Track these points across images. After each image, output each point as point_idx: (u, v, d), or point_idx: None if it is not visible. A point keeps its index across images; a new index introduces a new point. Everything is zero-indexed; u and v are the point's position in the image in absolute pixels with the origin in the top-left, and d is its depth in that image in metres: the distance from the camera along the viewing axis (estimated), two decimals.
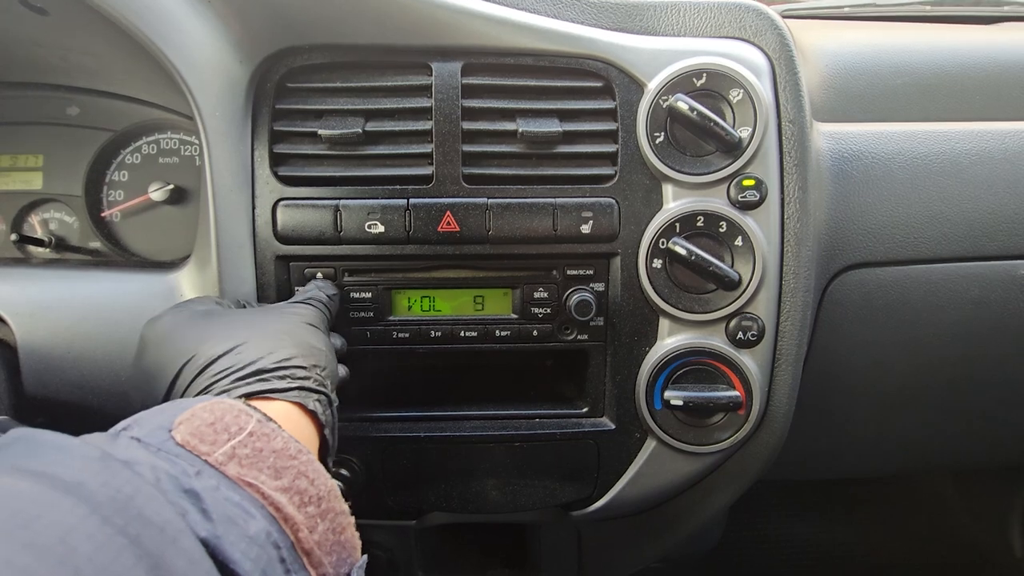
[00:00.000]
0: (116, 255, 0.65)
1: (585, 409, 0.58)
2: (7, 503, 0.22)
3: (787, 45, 0.53)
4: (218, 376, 0.37)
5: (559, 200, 0.53)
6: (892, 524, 1.19)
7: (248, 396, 0.36)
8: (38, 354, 0.51)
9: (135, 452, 0.28)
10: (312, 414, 0.38)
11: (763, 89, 0.52)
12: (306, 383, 0.39)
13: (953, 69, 0.64)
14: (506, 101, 0.53)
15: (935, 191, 0.59)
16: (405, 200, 0.52)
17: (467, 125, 0.52)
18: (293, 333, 0.42)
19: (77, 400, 0.51)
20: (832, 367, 0.62)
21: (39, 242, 0.63)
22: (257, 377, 0.37)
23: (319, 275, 0.54)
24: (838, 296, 0.60)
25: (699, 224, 0.53)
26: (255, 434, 0.32)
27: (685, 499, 0.62)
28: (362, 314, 0.54)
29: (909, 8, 0.89)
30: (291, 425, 0.36)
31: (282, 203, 0.52)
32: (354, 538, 0.34)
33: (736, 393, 0.54)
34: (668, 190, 0.54)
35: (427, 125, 0.52)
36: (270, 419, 0.33)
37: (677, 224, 0.53)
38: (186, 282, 0.53)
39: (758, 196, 0.52)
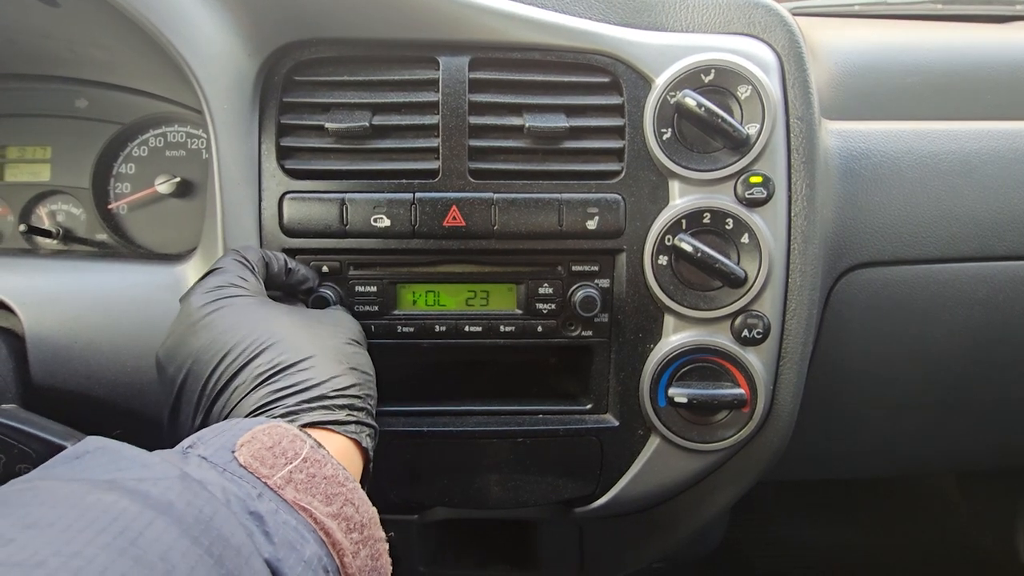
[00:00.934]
0: (122, 247, 0.66)
1: (588, 406, 0.58)
2: (116, 519, 0.23)
3: (796, 41, 0.53)
4: (282, 393, 0.37)
5: (565, 196, 0.53)
6: (895, 527, 1.19)
7: (311, 424, 0.36)
8: (45, 344, 0.51)
9: (206, 472, 0.29)
10: (361, 448, 0.39)
11: (772, 86, 0.52)
12: (361, 415, 0.39)
13: (964, 68, 0.63)
14: (513, 96, 0.53)
15: (944, 190, 0.59)
16: (411, 194, 0.52)
17: (474, 120, 0.52)
18: (348, 355, 0.42)
19: (84, 390, 0.52)
20: (837, 366, 0.62)
21: (47, 233, 0.64)
22: (321, 404, 0.38)
23: (325, 268, 0.54)
24: (844, 295, 0.60)
25: (705, 221, 0.53)
26: (308, 460, 0.33)
27: (688, 497, 0.61)
28: (366, 308, 0.55)
29: (920, 7, 0.88)
30: (339, 452, 0.37)
31: (288, 196, 0.52)
32: (387, 564, 0.35)
33: (741, 391, 0.53)
34: (675, 186, 0.53)
35: (434, 119, 0.52)
36: (321, 445, 0.34)
37: (683, 221, 0.53)
38: (192, 274, 0.53)
39: (765, 193, 0.52)
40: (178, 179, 0.64)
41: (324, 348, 0.41)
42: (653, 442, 0.57)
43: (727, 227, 0.53)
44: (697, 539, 0.97)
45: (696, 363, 0.54)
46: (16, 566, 0.20)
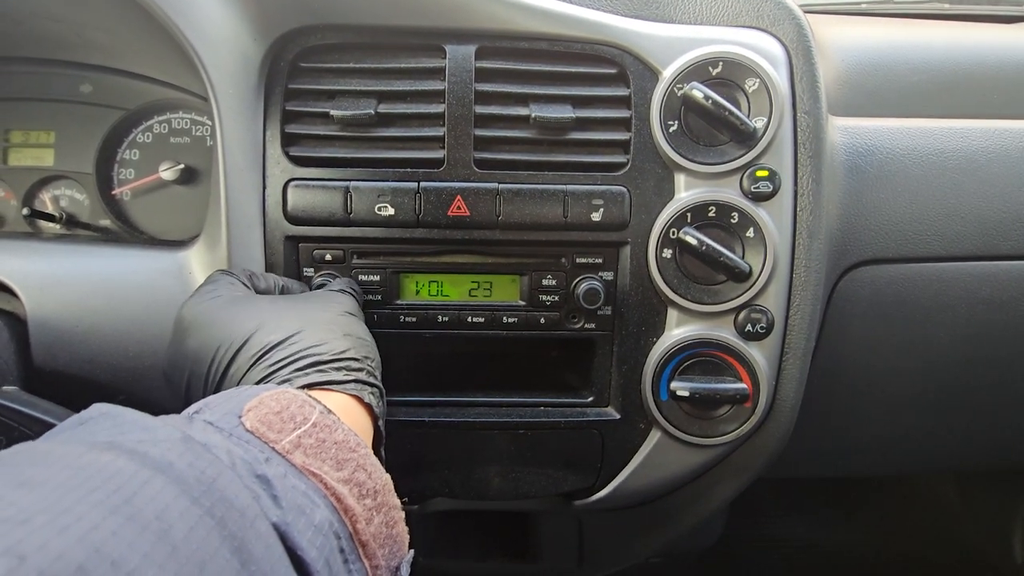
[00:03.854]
0: (125, 233, 0.65)
1: (590, 398, 0.58)
2: (110, 478, 0.23)
3: (805, 35, 0.53)
4: (277, 366, 0.37)
5: (570, 187, 0.52)
6: (892, 526, 1.19)
7: (308, 387, 0.36)
8: (47, 327, 0.51)
9: (211, 435, 0.29)
10: (368, 407, 0.38)
11: (780, 79, 0.51)
12: (360, 375, 0.39)
13: (971, 67, 0.63)
14: (519, 86, 0.53)
15: (949, 188, 0.59)
16: (416, 183, 0.52)
17: (480, 109, 0.52)
18: (341, 324, 0.42)
19: (86, 374, 0.52)
20: (839, 363, 0.62)
21: (50, 217, 0.64)
22: (315, 368, 0.37)
23: (328, 257, 0.54)
24: (848, 292, 0.60)
25: (711, 214, 0.52)
26: (318, 425, 0.32)
27: (687, 492, 0.61)
28: (370, 297, 0.54)
29: (927, 6, 0.88)
30: (349, 417, 0.36)
31: (293, 183, 0.52)
32: (404, 532, 0.34)
33: (743, 385, 0.53)
34: (680, 179, 0.53)
35: (439, 108, 0.52)
36: (330, 411, 0.34)
37: (688, 214, 0.53)
38: (195, 261, 0.53)
39: (771, 187, 0.52)
40: (182, 166, 0.64)
41: (313, 321, 0.41)
42: (654, 436, 0.57)
43: (732, 221, 0.52)
44: (696, 534, 0.97)
45: (699, 357, 0.54)
46: (1, 523, 0.19)
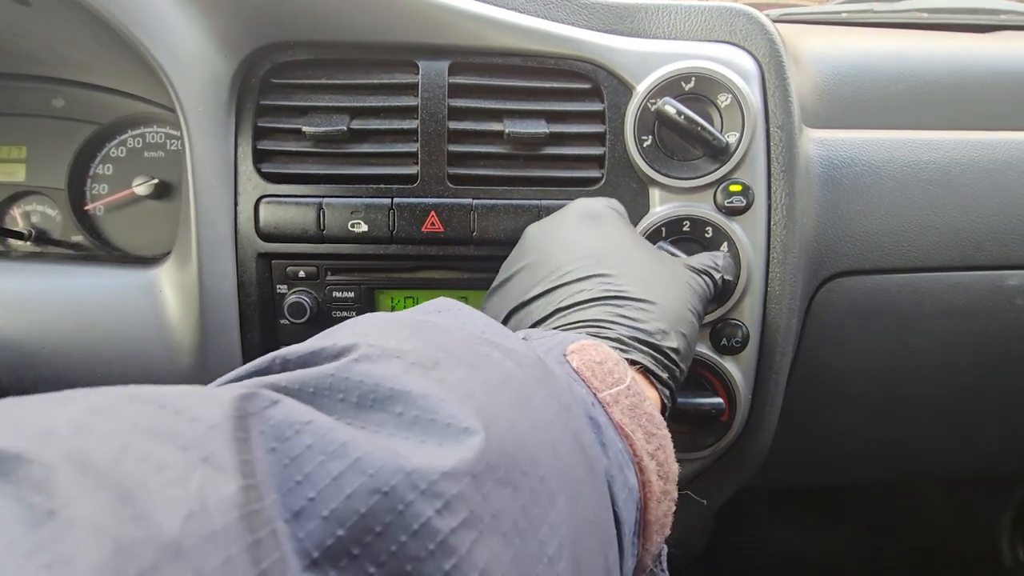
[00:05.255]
0: (99, 249, 0.65)
1: None
2: (510, 378, 0.23)
3: (777, 50, 0.53)
4: (621, 320, 0.35)
5: (545, 202, 0.52)
6: (880, 532, 1.19)
7: (632, 363, 0.34)
8: (12, 348, 0.50)
9: (552, 363, 0.27)
10: (663, 408, 0.37)
11: (752, 94, 0.51)
12: (676, 372, 0.37)
13: (948, 77, 0.64)
14: (493, 101, 0.53)
15: (925, 200, 0.59)
16: (389, 199, 0.51)
17: (453, 125, 0.52)
18: (687, 323, 0.39)
19: None
20: (819, 374, 0.62)
21: (18, 235, 0.63)
22: (651, 351, 0.35)
23: (302, 273, 0.53)
24: (826, 303, 0.60)
25: (685, 229, 0.52)
26: (632, 390, 0.30)
27: None
28: (344, 314, 0.54)
29: (906, 15, 0.89)
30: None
31: (265, 200, 0.52)
32: (669, 525, 0.32)
33: (719, 400, 0.53)
34: (655, 194, 0.53)
35: (413, 124, 0.52)
36: (637, 382, 0.32)
37: (663, 228, 0.52)
38: (166, 278, 0.52)
39: (744, 202, 0.52)
40: (156, 181, 0.63)
41: (671, 302, 0.38)
42: None
43: (706, 235, 0.52)
44: (681, 543, 0.97)
45: None
46: (449, 387, 0.20)
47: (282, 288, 0.53)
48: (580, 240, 0.41)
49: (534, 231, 0.45)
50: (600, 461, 0.25)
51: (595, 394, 0.29)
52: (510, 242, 0.52)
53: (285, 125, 0.52)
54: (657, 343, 0.35)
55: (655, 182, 0.53)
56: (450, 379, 0.21)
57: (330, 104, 0.52)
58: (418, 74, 0.52)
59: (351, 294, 0.54)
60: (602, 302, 0.36)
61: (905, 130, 0.61)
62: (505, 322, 0.41)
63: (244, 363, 0.53)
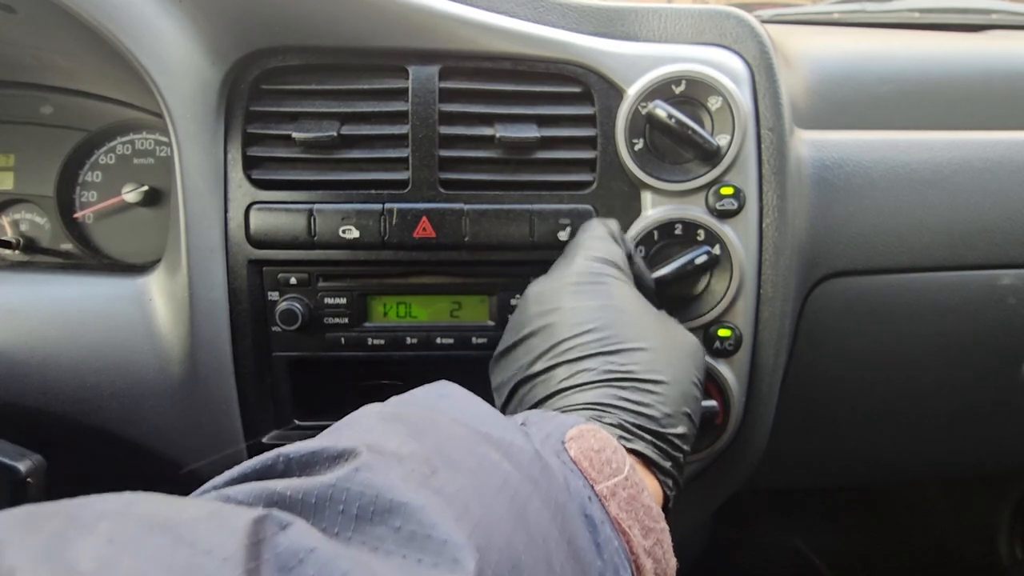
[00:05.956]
0: (88, 257, 0.64)
1: None
2: (507, 483, 0.23)
3: (767, 53, 0.53)
4: (626, 405, 0.34)
5: (536, 207, 0.52)
6: (877, 532, 1.20)
7: (633, 452, 0.33)
8: (1, 358, 0.50)
9: (549, 455, 0.27)
10: (662, 486, 0.35)
11: (742, 97, 0.51)
12: (680, 458, 0.35)
13: (939, 77, 0.64)
14: (484, 106, 0.52)
15: (916, 200, 0.59)
16: (380, 205, 0.51)
17: (444, 130, 0.52)
18: (691, 401, 0.37)
19: (40, 406, 0.50)
20: (813, 376, 0.62)
21: (6, 244, 0.62)
22: (655, 441, 0.33)
23: (293, 280, 0.53)
24: (819, 305, 0.60)
25: (677, 232, 0.52)
26: (630, 480, 0.29)
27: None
28: (336, 320, 0.54)
29: (897, 15, 0.89)
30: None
31: (255, 207, 0.51)
32: None
33: (713, 403, 0.53)
34: (647, 197, 0.53)
35: (403, 129, 0.51)
36: (635, 470, 0.31)
37: (655, 232, 0.52)
38: (155, 286, 0.52)
39: (736, 204, 0.52)
40: (146, 188, 0.63)
41: (678, 380, 0.37)
42: None
43: (698, 238, 0.52)
44: (678, 544, 0.97)
45: None
46: (447, 499, 0.21)
47: (273, 295, 0.53)
48: (581, 309, 0.39)
49: (535, 294, 0.43)
50: (594, 565, 0.25)
51: (592, 486, 0.28)
52: (502, 247, 0.52)
53: (275, 131, 0.51)
54: (662, 431, 0.34)
55: (647, 185, 0.52)
56: (447, 489, 0.22)
57: (320, 110, 0.52)
58: (408, 79, 0.51)
59: (343, 300, 0.54)
60: (605, 384, 0.35)
61: (897, 130, 0.61)
62: (512, 393, 0.40)
63: (235, 370, 0.52)
